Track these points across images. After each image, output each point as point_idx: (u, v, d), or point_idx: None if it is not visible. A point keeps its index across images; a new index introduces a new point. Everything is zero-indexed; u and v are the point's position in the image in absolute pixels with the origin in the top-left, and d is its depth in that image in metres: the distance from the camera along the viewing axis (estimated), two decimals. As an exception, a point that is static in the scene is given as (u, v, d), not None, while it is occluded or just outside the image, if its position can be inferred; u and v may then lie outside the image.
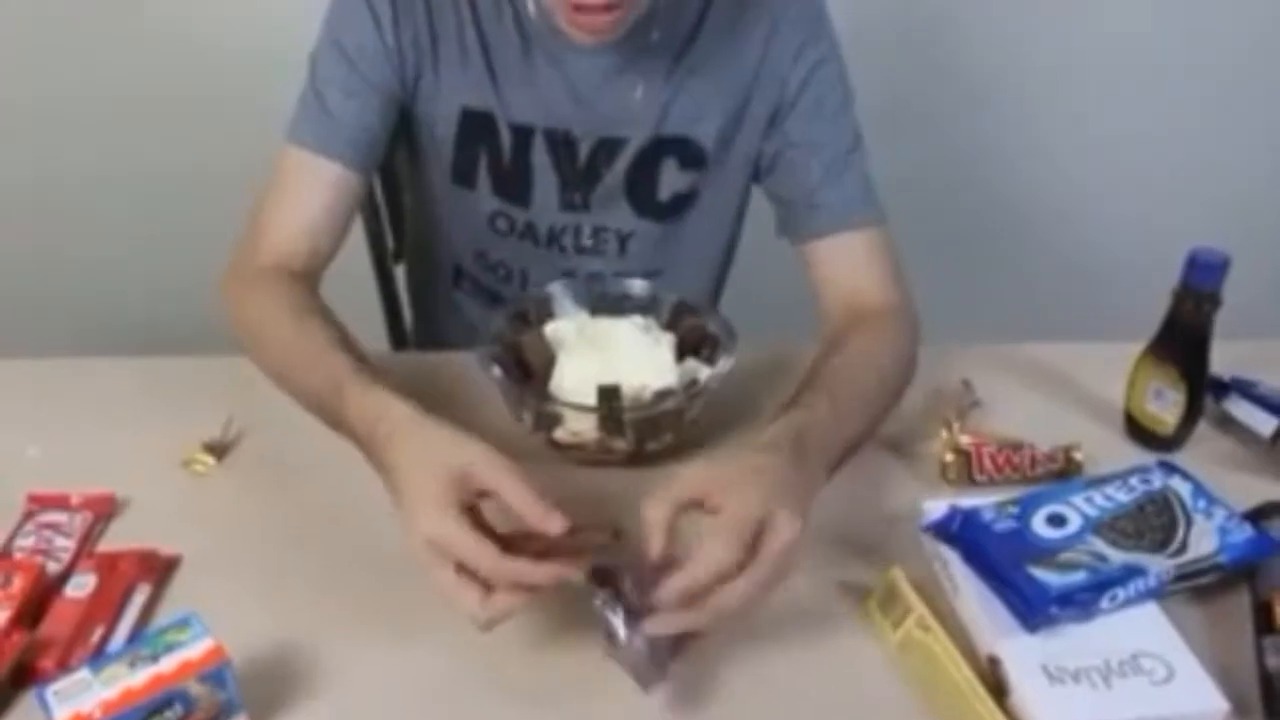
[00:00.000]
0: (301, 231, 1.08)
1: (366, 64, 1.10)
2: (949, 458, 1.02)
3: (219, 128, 1.83)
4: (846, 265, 1.12)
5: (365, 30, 1.09)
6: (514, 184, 1.18)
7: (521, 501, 0.77)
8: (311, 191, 1.09)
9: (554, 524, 0.76)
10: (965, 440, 1.03)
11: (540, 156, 1.16)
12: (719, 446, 1.03)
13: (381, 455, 0.83)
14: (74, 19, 1.85)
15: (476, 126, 1.15)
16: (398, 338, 1.54)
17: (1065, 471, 1.01)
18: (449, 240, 1.29)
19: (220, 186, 1.77)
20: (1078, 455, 1.02)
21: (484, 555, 0.74)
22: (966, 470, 1.01)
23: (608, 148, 1.16)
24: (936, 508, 0.92)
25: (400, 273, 1.51)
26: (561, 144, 1.16)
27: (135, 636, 0.83)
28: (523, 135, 1.15)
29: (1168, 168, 2.03)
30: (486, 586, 0.75)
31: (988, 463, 1.01)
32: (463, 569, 0.75)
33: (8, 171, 1.97)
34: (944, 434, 1.03)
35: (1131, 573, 0.83)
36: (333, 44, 1.10)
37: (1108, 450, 1.05)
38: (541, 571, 0.76)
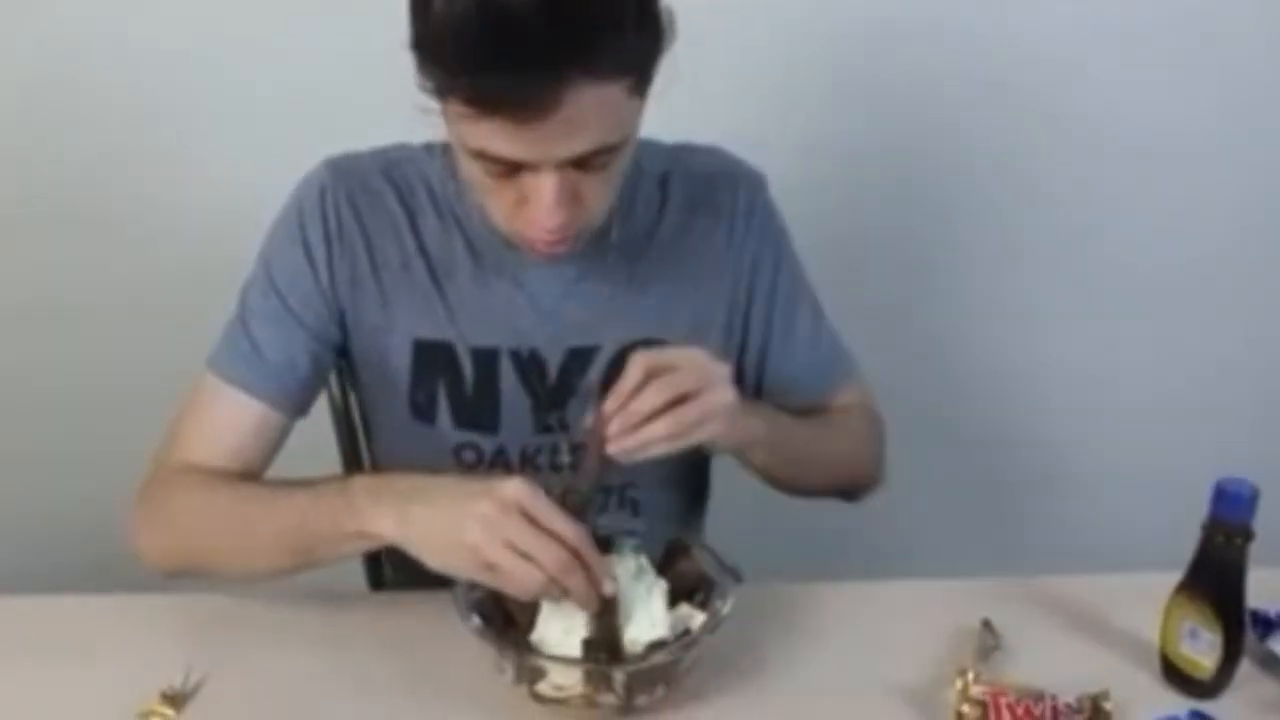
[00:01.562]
0: (218, 456, 1.08)
1: (297, 301, 1.10)
2: (965, 709, 0.95)
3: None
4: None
5: (298, 266, 1.10)
6: (479, 412, 1.16)
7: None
8: (233, 426, 1.09)
9: None
10: (981, 691, 0.96)
11: (508, 380, 1.15)
12: (716, 704, 0.98)
13: (425, 478, 0.95)
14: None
15: (432, 358, 1.14)
16: (375, 575, 1.46)
17: (1093, 722, 0.94)
18: None
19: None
20: (1107, 705, 0.95)
21: (559, 516, 0.88)
22: (985, 726, 0.95)
23: (579, 358, 1.15)
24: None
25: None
26: (529, 363, 1.15)
27: None
28: (486, 360, 1.14)
29: (1193, 381, 2.00)
30: None
31: (1006, 715, 0.95)
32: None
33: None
34: (959, 683, 0.97)
35: None
36: (264, 276, 1.11)
37: (1144, 696, 0.98)
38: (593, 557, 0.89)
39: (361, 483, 0.98)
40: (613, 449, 0.94)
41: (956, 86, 1.79)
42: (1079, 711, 0.95)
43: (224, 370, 1.10)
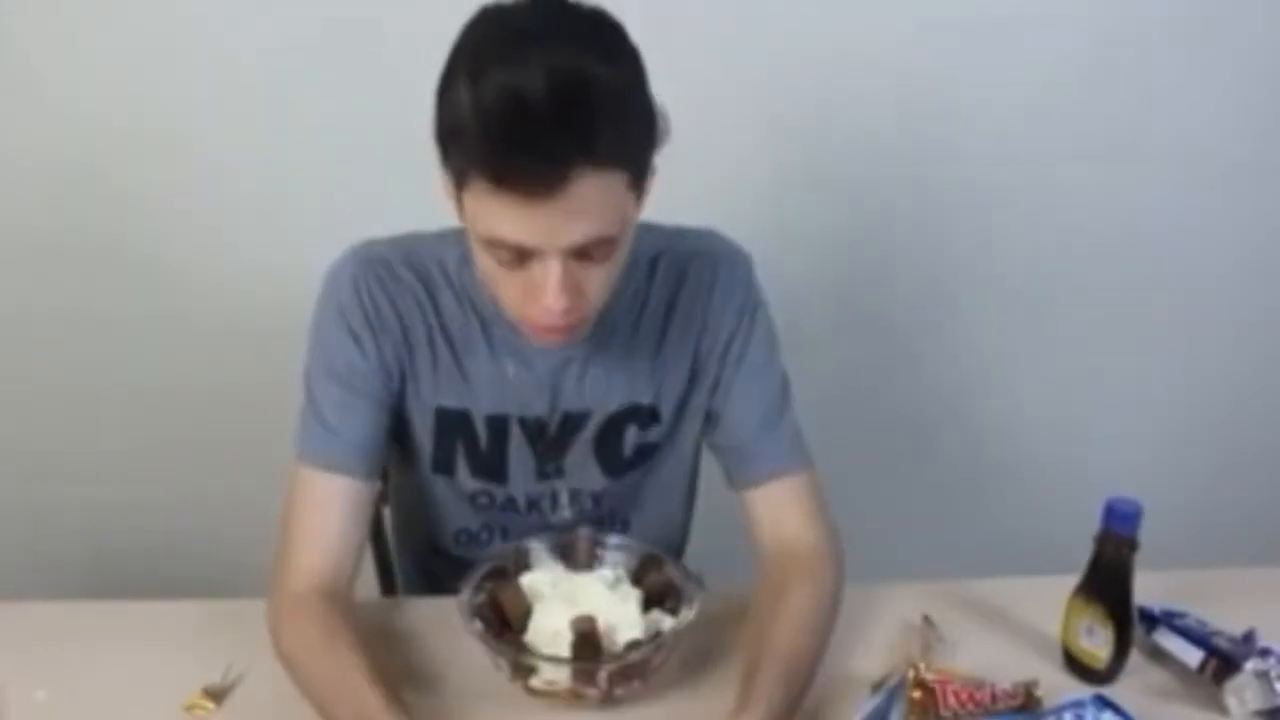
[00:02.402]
0: (324, 552, 1.13)
1: (358, 380, 1.16)
2: (916, 694, 1.06)
3: (247, 372, 1.91)
4: (779, 509, 1.22)
5: (351, 353, 1.16)
6: (491, 466, 1.25)
7: None
8: (327, 511, 1.14)
9: None
10: (930, 677, 1.07)
11: (516, 440, 1.23)
12: (685, 693, 1.10)
13: None
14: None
15: (453, 423, 1.22)
16: (387, 578, 1.57)
17: (1025, 706, 1.06)
18: (430, 520, 1.33)
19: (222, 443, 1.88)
20: (1038, 692, 1.07)
21: None
22: (933, 706, 1.05)
23: (575, 420, 1.23)
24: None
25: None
26: (533, 426, 1.23)
27: None
28: (498, 425, 1.22)
29: (1100, 408, 2.18)
30: None
31: (952, 699, 1.05)
32: None
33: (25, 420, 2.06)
34: (910, 672, 1.07)
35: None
36: (324, 368, 1.17)
37: (1056, 684, 1.10)
38: None
39: None
40: None
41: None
42: (1014, 697, 1.06)
43: (312, 458, 1.15)
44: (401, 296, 1.18)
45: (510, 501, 1.28)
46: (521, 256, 0.99)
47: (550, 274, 0.99)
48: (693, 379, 1.25)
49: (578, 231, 0.97)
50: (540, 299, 1.00)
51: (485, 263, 1.04)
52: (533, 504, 1.28)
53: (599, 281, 1.04)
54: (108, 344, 1.96)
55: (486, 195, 0.95)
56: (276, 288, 1.62)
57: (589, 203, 0.95)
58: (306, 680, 1.05)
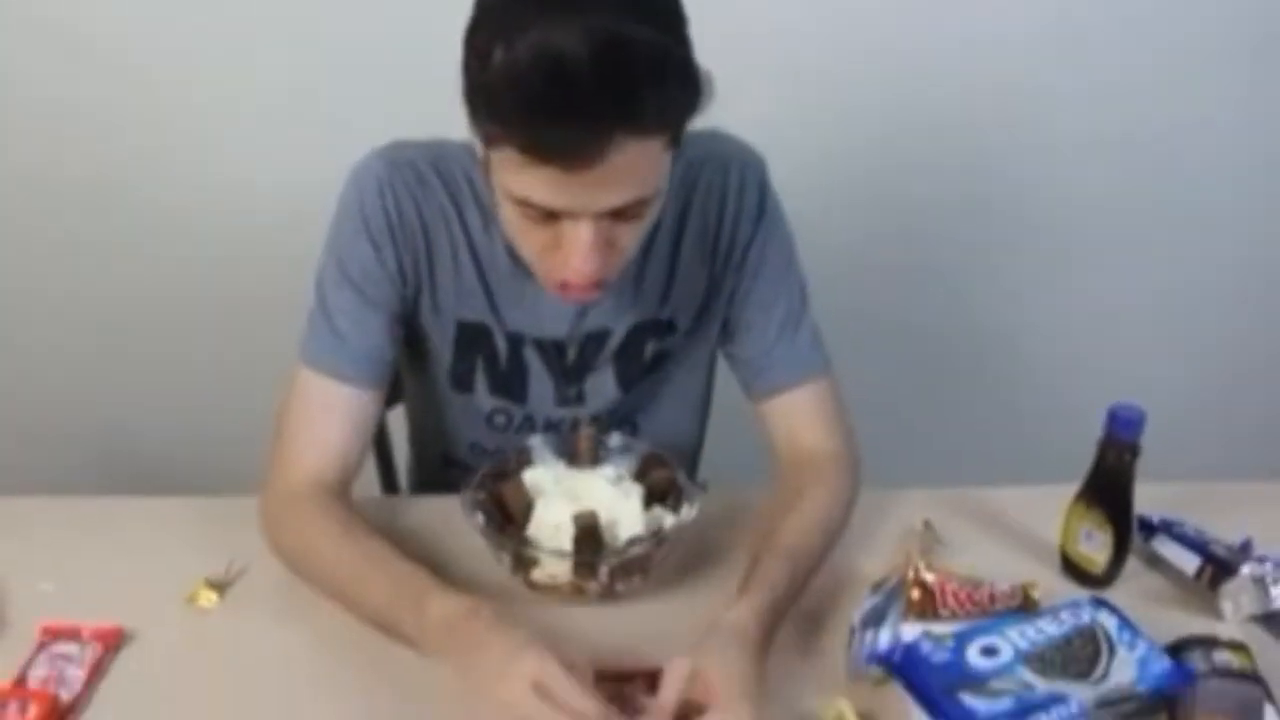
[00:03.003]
0: (328, 453, 1.12)
1: (372, 288, 1.14)
2: (915, 594, 1.06)
3: (253, 268, 1.95)
4: (797, 418, 1.22)
5: (368, 258, 1.13)
6: (511, 385, 1.24)
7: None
8: (332, 415, 1.13)
9: None
10: (930, 578, 1.08)
11: (533, 360, 1.22)
12: (685, 591, 1.12)
13: (479, 635, 0.91)
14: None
15: (473, 337, 1.21)
16: (388, 479, 1.58)
17: (1023, 607, 1.06)
18: (445, 434, 1.33)
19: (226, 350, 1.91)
20: (1035, 594, 1.08)
21: (576, 692, 0.85)
22: (931, 605, 1.06)
23: (595, 341, 1.22)
24: (881, 639, 0.99)
25: (393, 416, 1.52)
26: (551, 349, 1.22)
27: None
28: (516, 342, 1.21)
29: (1105, 322, 2.20)
30: None
31: (950, 599, 1.06)
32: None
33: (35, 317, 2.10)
34: (910, 572, 1.08)
35: (1054, 700, 0.90)
36: (338, 271, 1.14)
37: (1053, 588, 1.12)
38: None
39: (434, 618, 0.96)
40: None
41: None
42: (1012, 598, 1.07)
43: (318, 363, 1.13)
44: (428, 203, 1.15)
45: (528, 421, 1.27)
46: (551, 215, 0.96)
47: (581, 236, 0.96)
48: (709, 287, 1.23)
49: (614, 196, 0.94)
50: (569, 260, 0.98)
51: (510, 214, 1.01)
52: (551, 427, 1.27)
53: (630, 238, 1.01)
54: (115, 256, 2.01)
55: (518, 161, 0.91)
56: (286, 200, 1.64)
57: (627, 169, 0.91)
58: (323, 569, 1.05)
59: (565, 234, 0.97)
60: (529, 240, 1.02)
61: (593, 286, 1.02)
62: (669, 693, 0.90)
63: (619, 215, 0.97)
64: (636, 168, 0.92)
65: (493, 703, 0.86)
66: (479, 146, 0.98)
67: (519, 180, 0.93)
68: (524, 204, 0.95)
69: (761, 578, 1.02)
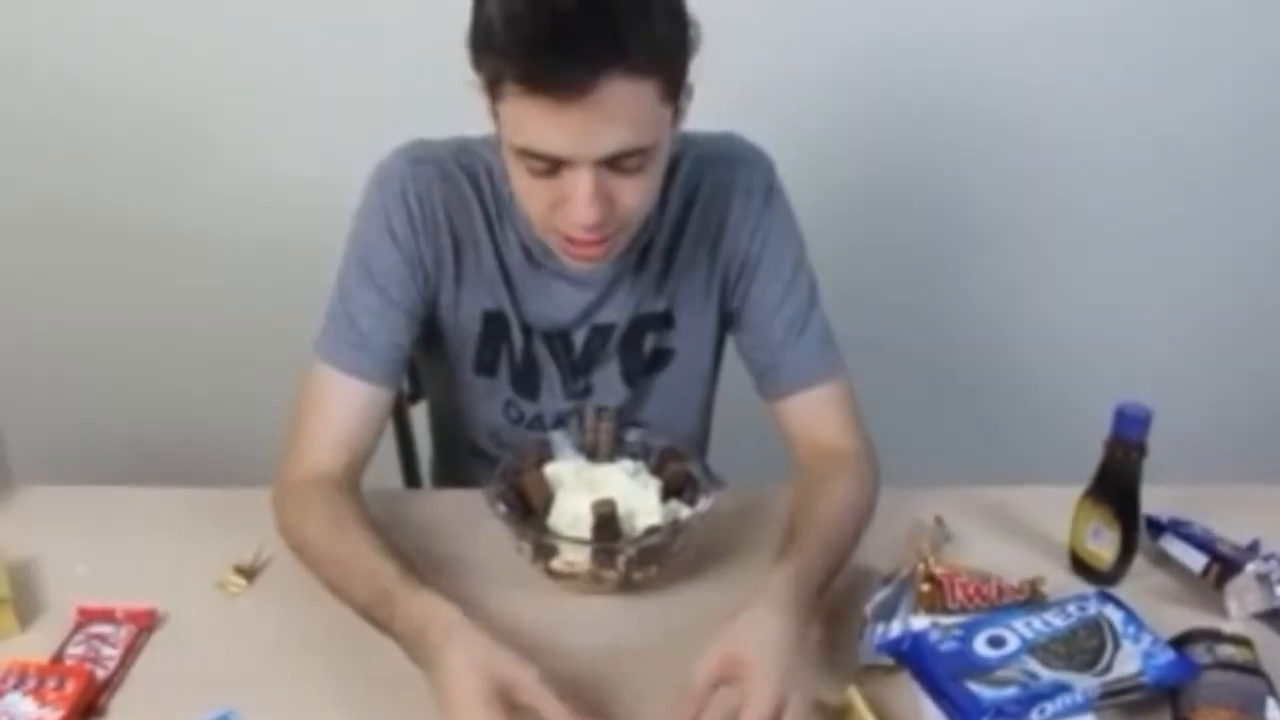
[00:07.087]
0: (337, 445, 1.14)
1: (394, 287, 1.16)
2: (924, 587, 1.09)
3: (285, 263, 1.97)
4: (813, 419, 1.23)
5: (391, 258, 1.16)
6: (525, 379, 1.27)
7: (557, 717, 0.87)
8: (345, 410, 1.15)
9: None
10: (939, 571, 1.10)
11: (541, 353, 1.25)
12: (700, 584, 1.14)
13: (432, 655, 0.90)
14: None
15: (497, 326, 1.23)
16: (410, 474, 1.61)
17: (1031, 601, 1.09)
18: (466, 422, 1.35)
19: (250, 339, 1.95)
20: (1043, 589, 1.10)
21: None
22: (941, 598, 1.08)
23: (600, 335, 1.25)
24: (892, 629, 1.02)
25: (416, 412, 1.56)
26: (558, 341, 1.25)
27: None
28: (528, 334, 1.24)
29: (1112, 327, 2.21)
30: None
31: (959, 592, 1.09)
32: None
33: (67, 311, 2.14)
34: (920, 565, 1.11)
35: (1059, 689, 0.92)
36: (360, 268, 1.16)
37: (1061, 584, 1.14)
38: None
39: (400, 623, 0.96)
40: None
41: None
42: (1019, 592, 1.10)
43: (335, 360, 1.15)
44: (452, 199, 1.17)
45: (538, 420, 1.30)
46: (553, 167, 1.00)
47: (581, 184, 0.99)
48: (711, 285, 1.25)
49: (609, 139, 0.97)
50: (571, 211, 1.01)
51: (517, 174, 1.04)
52: (560, 422, 1.30)
53: (631, 193, 1.03)
54: (147, 247, 2.06)
55: (518, 100, 0.95)
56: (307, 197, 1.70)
57: (620, 110, 0.95)
58: (317, 562, 1.07)
59: (566, 185, 1.00)
60: (535, 199, 1.05)
61: (597, 243, 1.06)
62: (699, 677, 0.90)
63: (617, 167, 1.00)
64: (628, 110, 0.96)
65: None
66: (487, 103, 1.01)
67: (520, 123, 0.98)
68: (527, 155, 0.99)
69: (796, 549, 1.03)
